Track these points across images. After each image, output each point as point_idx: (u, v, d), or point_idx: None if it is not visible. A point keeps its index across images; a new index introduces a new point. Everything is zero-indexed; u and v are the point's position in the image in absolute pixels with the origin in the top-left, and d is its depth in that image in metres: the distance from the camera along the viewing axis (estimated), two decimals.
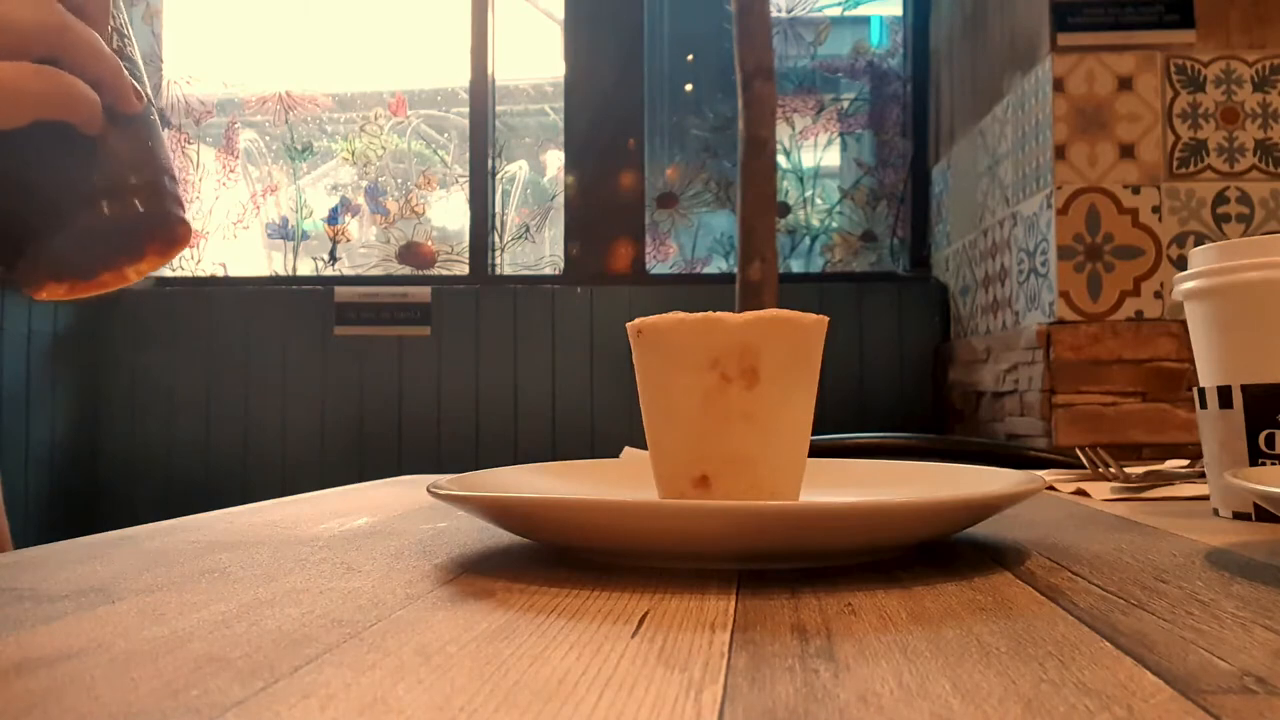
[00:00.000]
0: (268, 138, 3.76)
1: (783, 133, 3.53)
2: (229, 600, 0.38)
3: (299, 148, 3.75)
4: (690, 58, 3.77)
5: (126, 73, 0.46)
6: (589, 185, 3.57)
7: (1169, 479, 0.77)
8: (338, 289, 3.44)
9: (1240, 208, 2.32)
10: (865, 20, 3.79)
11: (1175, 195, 2.32)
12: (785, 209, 3.57)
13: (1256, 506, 0.57)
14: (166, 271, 3.56)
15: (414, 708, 0.24)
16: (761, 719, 0.23)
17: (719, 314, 0.48)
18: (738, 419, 0.47)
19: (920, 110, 3.58)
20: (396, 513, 0.66)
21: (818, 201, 3.68)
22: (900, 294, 3.38)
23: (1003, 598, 0.37)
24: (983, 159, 2.91)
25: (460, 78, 3.70)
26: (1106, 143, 2.34)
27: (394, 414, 3.39)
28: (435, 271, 3.66)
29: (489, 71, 3.66)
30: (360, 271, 3.69)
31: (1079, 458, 0.84)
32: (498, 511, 0.46)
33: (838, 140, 3.70)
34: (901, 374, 3.33)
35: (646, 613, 0.34)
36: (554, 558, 0.46)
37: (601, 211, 3.55)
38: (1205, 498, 0.64)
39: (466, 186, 3.67)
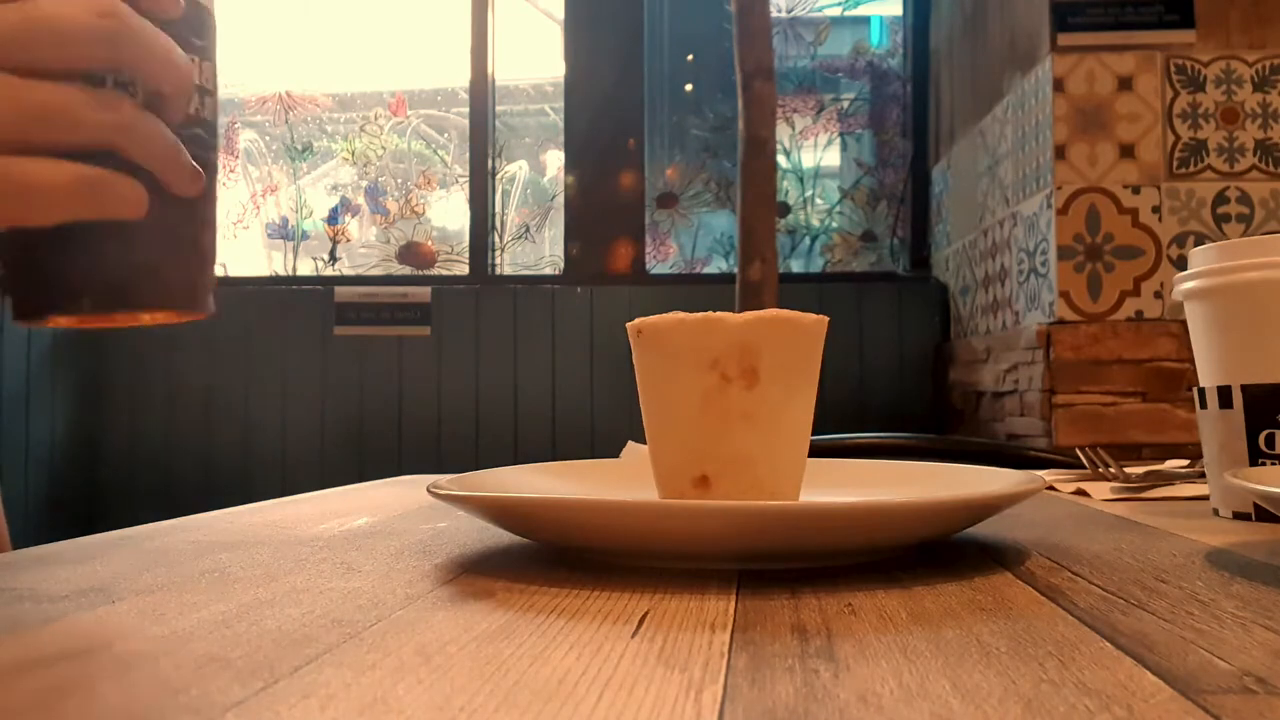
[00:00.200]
0: (268, 138, 3.76)
1: (783, 133, 3.53)
2: (229, 600, 0.38)
3: (299, 148, 3.76)
4: (690, 58, 3.77)
5: (185, 154, 0.40)
6: (589, 185, 3.57)
7: (1169, 479, 0.77)
8: (338, 289, 3.44)
9: (1240, 208, 2.32)
10: (865, 20, 3.79)
11: (1175, 195, 2.32)
12: (785, 209, 3.57)
13: (1256, 506, 0.57)
14: None
15: (414, 708, 0.24)
16: (761, 719, 0.23)
17: (719, 314, 0.48)
18: (738, 419, 0.47)
19: (920, 110, 3.58)
20: (396, 513, 0.66)
21: (818, 201, 3.68)
22: (900, 294, 3.38)
23: (1003, 598, 0.37)
24: (983, 159, 2.91)
25: (460, 78, 3.70)
26: (1106, 143, 2.34)
27: (394, 414, 3.39)
28: (435, 271, 3.66)
29: (489, 71, 3.66)
30: (360, 271, 3.69)
31: (1079, 458, 0.84)
32: (498, 511, 0.46)
33: (838, 140, 3.70)
34: (901, 374, 3.33)
35: (646, 613, 0.34)
36: (554, 558, 0.46)
37: (601, 211, 3.55)
38: (1205, 498, 0.64)
39: (466, 186, 3.67)
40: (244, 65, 3.73)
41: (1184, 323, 0.64)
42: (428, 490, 0.47)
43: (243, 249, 3.72)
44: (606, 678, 0.27)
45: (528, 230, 3.71)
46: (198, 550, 0.50)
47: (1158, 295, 2.30)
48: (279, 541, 0.53)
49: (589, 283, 3.43)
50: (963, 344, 3.09)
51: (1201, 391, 0.60)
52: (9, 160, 0.37)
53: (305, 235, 3.73)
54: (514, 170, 3.77)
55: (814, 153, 3.69)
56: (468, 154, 3.67)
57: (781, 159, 3.54)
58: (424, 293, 3.42)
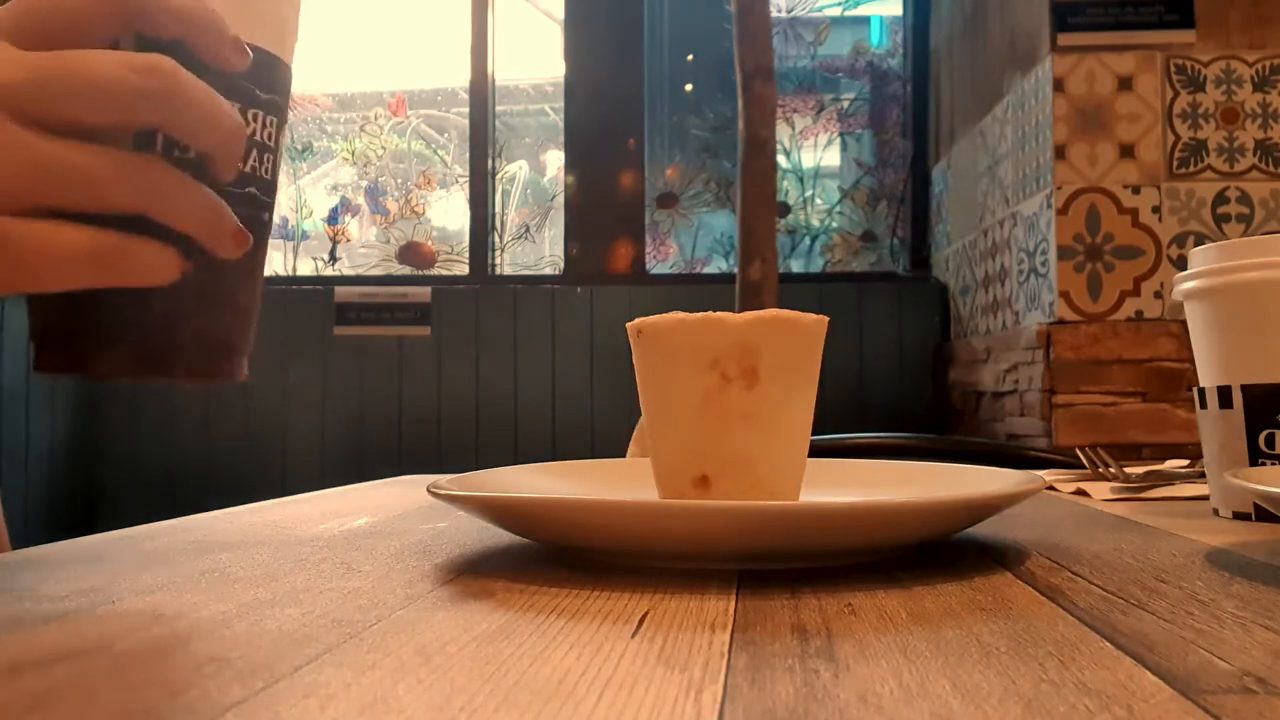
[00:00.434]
0: None
1: (783, 133, 3.53)
2: (229, 600, 0.38)
3: (299, 148, 3.76)
4: (690, 58, 3.77)
5: (229, 217, 0.37)
6: (589, 185, 3.57)
7: (1169, 479, 0.77)
8: (338, 289, 3.44)
9: (1240, 208, 2.32)
10: (865, 20, 3.79)
11: (1175, 195, 2.32)
12: (785, 209, 3.57)
13: (1256, 506, 0.57)
14: None
15: (414, 708, 0.24)
16: (761, 719, 0.23)
17: (719, 314, 0.48)
18: (738, 419, 0.47)
19: (920, 110, 3.58)
20: (396, 513, 0.66)
21: (818, 201, 3.68)
22: (900, 294, 3.38)
23: (1003, 598, 0.37)
24: (983, 159, 2.91)
25: (460, 78, 3.70)
26: (1106, 143, 2.34)
27: (394, 414, 3.39)
28: (435, 271, 3.66)
29: (489, 71, 3.66)
30: (360, 271, 3.69)
31: (1079, 458, 0.84)
32: (498, 511, 0.46)
33: (838, 140, 3.70)
34: (901, 374, 3.33)
35: (646, 613, 0.34)
36: (554, 558, 0.46)
37: (601, 211, 3.55)
38: (1205, 498, 0.64)
39: (466, 186, 3.67)
40: None
41: (1184, 323, 0.64)
42: (428, 490, 0.47)
43: None
44: (606, 678, 0.27)
45: (528, 230, 3.71)
46: (198, 550, 0.50)
47: (1158, 295, 2.30)
48: (279, 541, 0.53)
49: (589, 283, 3.43)
50: (963, 344, 3.08)
51: (1201, 391, 0.60)
52: (16, 222, 0.34)
53: (305, 235, 3.73)
54: (514, 170, 3.77)
55: (814, 153, 3.69)
56: (468, 154, 3.67)
57: (781, 159, 3.54)
58: (424, 293, 3.42)
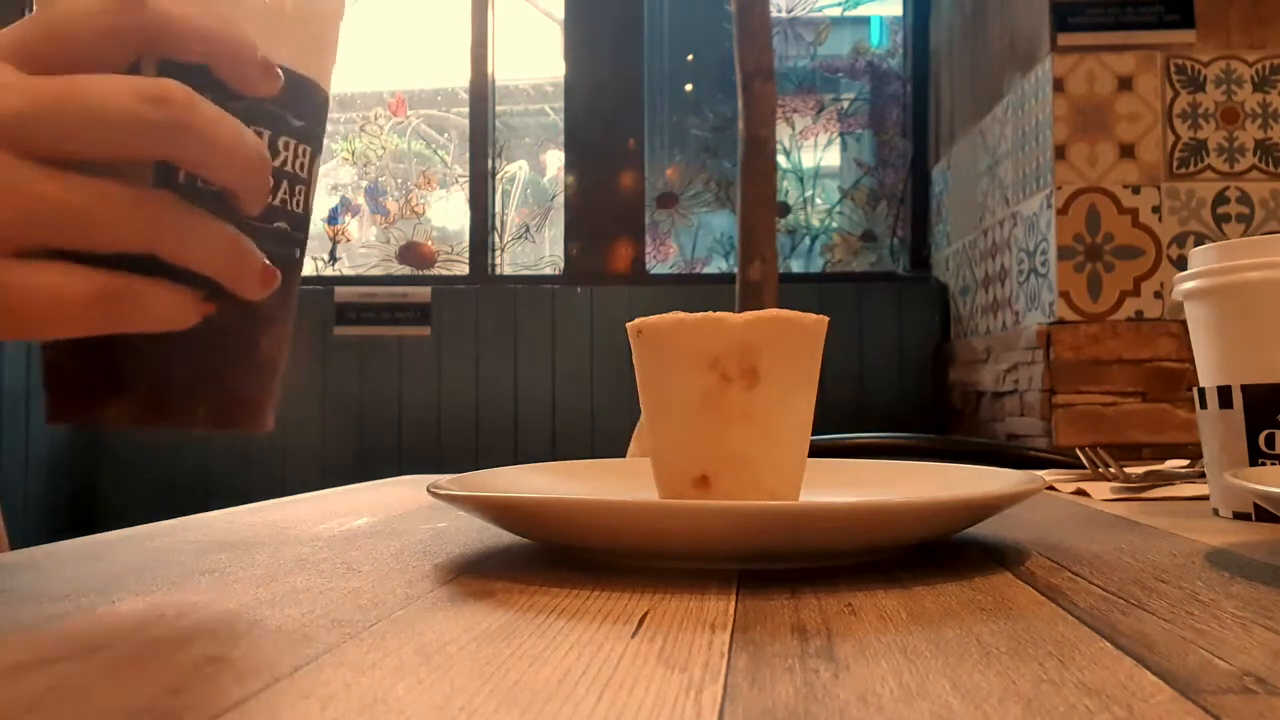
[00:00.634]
0: None
1: (783, 133, 3.53)
2: (229, 600, 0.38)
3: None
4: (690, 58, 3.77)
5: (254, 254, 0.34)
6: (589, 185, 3.57)
7: (1169, 479, 0.77)
8: (337, 289, 3.44)
9: (1240, 208, 2.32)
10: (865, 20, 3.79)
11: (1175, 195, 2.32)
12: (785, 209, 3.57)
13: (1256, 506, 0.57)
14: None
15: (414, 708, 0.24)
16: (761, 719, 0.23)
17: (719, 314, 0.48)
18: (738, 419, 0.47)
19: (920, 110, 3.58)
20: (396, 513, 0.66)
21: (818, 201, 3.68)
22: (900, 294, 3.38)
23: (1003, 598, 0.37)
24: (983, 159, 2.91)
25: (460, 78, 3.70)
26: (1106, 143, 2.34)
27: (394, 414, 3.39)
28: (435, 271, 3.66)
29: (489, 71, 3.66)
30: (360, 271, 3.69)
31: (1079, 458, 0.84)
32: (498, 511, 0.46)
33: (838, 140, 3.70)
34: (901, 374, 3.33)
35: (646, 613, 0.34)
36: (554, 558, 0.46)
37: (601, 211, 3.55)
38: (1205, 498, 0.64)
39: (466, 186, 3.67)
40: None
41: (1184, 323, 0.64)
42: (428, 490, 0.47)
43: None
44: (606, 678, 0.27)
45: (528, 230, 3.71)
46: (198, 550, 0.50)
47: (1158, 295, 2.30)
48: (279, 541, 0.53)
49: (589, 283, 3.43)
50: (963, 344, 3.08)
51: (1201, 391, 0.60)
52: (14, 265, 0.31)
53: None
54: (514, 170, 3.77)
55: (814, 153, 3.70)
56: (468, 154, 3.67)
57: (781, 159, 3.54)
58: (424, 293, 3.42)
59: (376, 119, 3.78)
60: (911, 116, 3.61)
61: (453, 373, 3.38)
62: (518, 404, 3.38)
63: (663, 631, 0.32)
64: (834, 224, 3.66)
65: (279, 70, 0.35)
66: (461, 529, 0.56)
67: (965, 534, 0.51)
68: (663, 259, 3.62)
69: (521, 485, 0.56)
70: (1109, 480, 0.78)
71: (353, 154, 3.77)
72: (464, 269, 3.63)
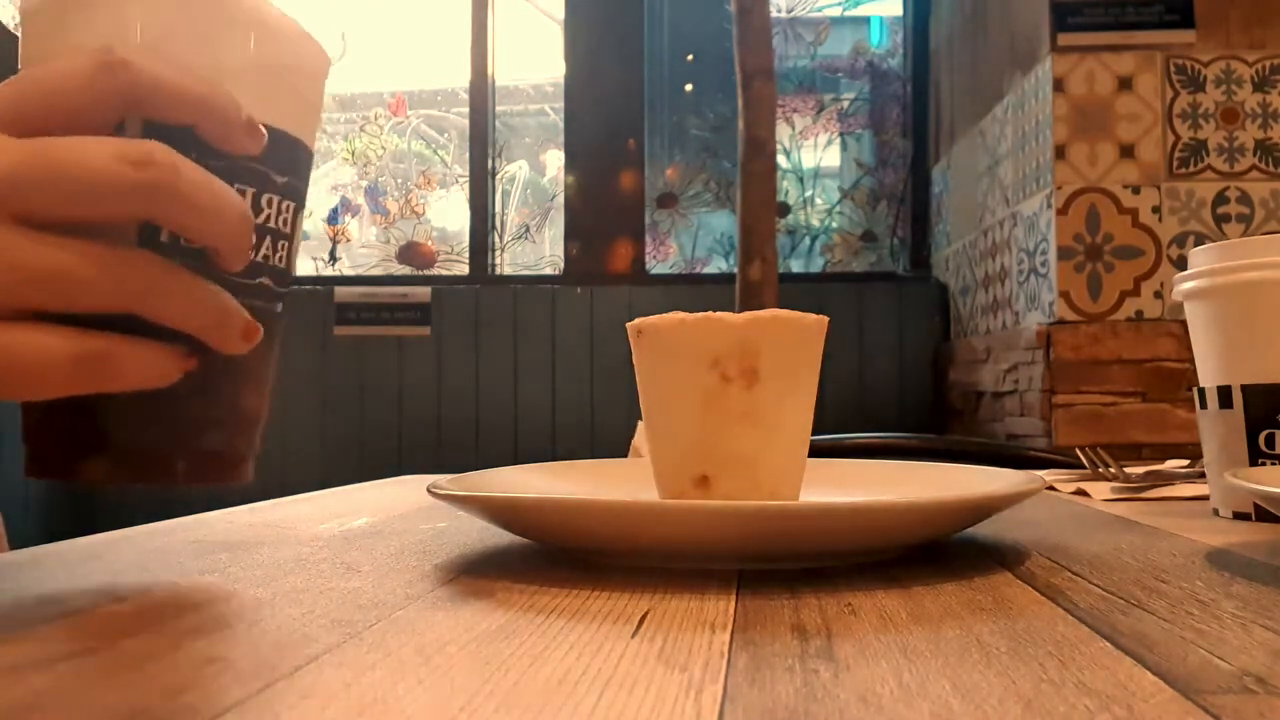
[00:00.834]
0: None
1: (783, 133, 3.53)
2: (229, 600, 0.38)
3: None
4: (690, 58, 3.77)
5: (236, 311, 0.35)
6: (589, 185, 3.57)
7: (1169, 479, 0.77)
8: (337, 289, 3.44)
9: (1240, 208, 2.32)
10: (865, 20, 3.79)
11: (1175, 195, 2.32)
12: (785, 209, 3.57)
13: (1256, 506, 0.57)
14: None
15: (414, 708, 0.24)
16: (761, 719, 0.23)
17: (719, 314, 0.48)
18: (738, 419, 0.47)
19: (920, 110, 3.58)
20: (396, 513, 0.66)
21: (818, 201, 3.68)
22: (900, 294, 3.38)
23: (1003, 598, 0.37)
24: (983, 159, 2.91)
25: (460, 78, 3.70)
26: (1106, 143, 2.34)
27: (394, 414, 3.39)
28: (435, 271, 3.66)
29: (489, 71, 3.66)
30: (360, 271, 3.69)
31: (1079, 458, 0.84)
32: (498, 511, 0.46)
33: (838, 140, 3.70)
34: (901, 374, 3.33)
35: (646, 613, 0.34)
36: (554, 558, 0.46)
37: (601, 211, 3.55)
38: (1205, 498, 0.64)
39: (466, 186, 3.67)
40: None
41: (1184, 323, 0.64)
42: (428, 490, 0.47)
43: None
44: (606, 678, 0.27)
45: (528, 230, 3.71)
46: (198, 550, 0.50)
47: (1158, 295, 2.31)
48: (279, 541, 0.53)
49: (589, 283, 3.43)
50: (963, 344, 3.09)
51: (1201, 391, 0.60)
52: None
53: (305, 235, 3.73)
54: (514, 170, 3.77)
55: (814, 153, 3.70)
56: (468, 154, 3.67)
57: (781, 159, 3.54)
58: (424, 293, 3.42)
59: (376, 119, 3.78)
60: (911, 116, 3.61)
61: (453, 373, 3.38)
62: (518, 404, 3.38)
63: (663, 631, 0.32)
64: (834, 224, 3.66)
65: (263, 129, 0.35)
66: (461, 529, 0.56)
67: (965, 534, 0.51)
68: (663, 259, 3.62)
69: (521, 485, 0.56)
70: (1109, 480, 0.78)
71: (353, 154, 3.77)
72: (464, 269, 3.63)
